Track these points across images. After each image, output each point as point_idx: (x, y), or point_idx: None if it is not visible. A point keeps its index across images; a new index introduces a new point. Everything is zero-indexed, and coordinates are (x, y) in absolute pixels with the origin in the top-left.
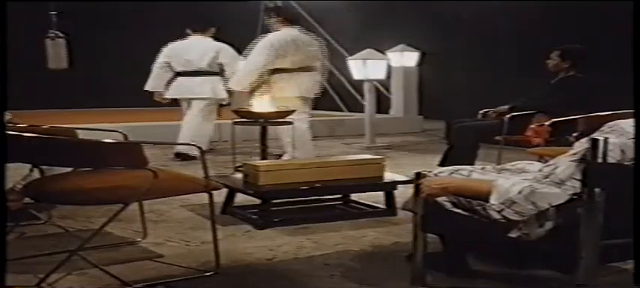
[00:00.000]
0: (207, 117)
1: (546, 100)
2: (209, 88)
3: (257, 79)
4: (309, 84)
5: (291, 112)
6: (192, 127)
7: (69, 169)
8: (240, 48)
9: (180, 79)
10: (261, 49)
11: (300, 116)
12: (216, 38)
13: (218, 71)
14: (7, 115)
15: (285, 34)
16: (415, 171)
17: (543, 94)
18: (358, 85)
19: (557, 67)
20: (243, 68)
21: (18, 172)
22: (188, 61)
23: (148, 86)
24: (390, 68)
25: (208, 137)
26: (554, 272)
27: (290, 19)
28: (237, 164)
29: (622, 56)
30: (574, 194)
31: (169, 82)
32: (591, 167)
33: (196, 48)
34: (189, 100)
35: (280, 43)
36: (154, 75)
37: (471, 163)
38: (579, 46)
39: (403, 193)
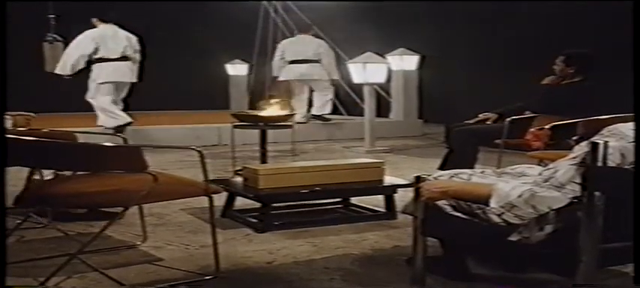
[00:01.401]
0: (322, 90)
1: (546, 106)
2: (315, 71)
3: (79, 64)
4: (123, 70)
5: (292, 115)
6: (320, 98)
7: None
8: (239, 48)
9: (291, 65)
10: (81, 40)
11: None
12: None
13: (319, 60)
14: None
15: (100, 29)
16: (415, 175)
17: (543, 100)
18: (358, 88)
19: (563, 72)
20: (67, 56)
21: (18, 176)
22: (298, 52)
23: (274, 74)
24: (390, 72)
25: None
26: (554, 276)
27: (106, 19)
28: (237, 168)
29: (623, 58)
30: (574, 198)
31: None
32: (591, 171)
33: (303, 43)
34: (301, 81)
35: (93, 35)
36: (275, 65)
37: (471, 167)
38: (584, 51)
39: (403, 197)
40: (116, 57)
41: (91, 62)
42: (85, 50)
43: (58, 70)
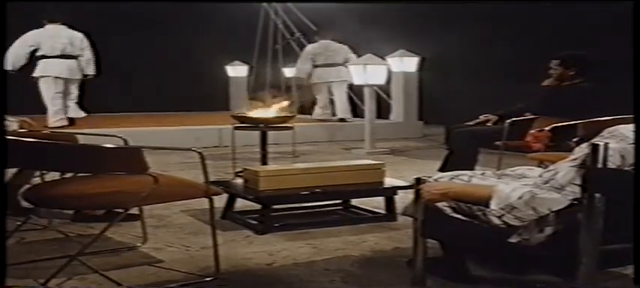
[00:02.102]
0: (345, 92)
1: (547, 108)
2: (344, 72)
3: (20, 61)
4: (60, 67)
5: (292, 117)
6: (344, 101)
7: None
8: (239, 49)
9: (319, 68)
10: (20, 40)
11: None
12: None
13: (344, 63)
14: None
15: (42, 29)
16: (415, 176)
17: (544, 102)
18: (358, 90)
19: (562, 75)
20: (8, 54)
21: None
22: (329, 57)
23: (299, 74)
24: (390, 73)
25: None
26: (554, 277)
27: (53, 19)
28: (238, 169)
29: (623, 59)
30: (574, 199)
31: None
32: (591, 172)
33: (332, 49)
34: (330, 83)
35: (33, 35)
36: (301, 69)
37: (471, 169)
38: (580, 53)
39: (403, 199)
40: (55, 55)
41: (36, 59)
42: (23, 50)
43: (9, 67)
